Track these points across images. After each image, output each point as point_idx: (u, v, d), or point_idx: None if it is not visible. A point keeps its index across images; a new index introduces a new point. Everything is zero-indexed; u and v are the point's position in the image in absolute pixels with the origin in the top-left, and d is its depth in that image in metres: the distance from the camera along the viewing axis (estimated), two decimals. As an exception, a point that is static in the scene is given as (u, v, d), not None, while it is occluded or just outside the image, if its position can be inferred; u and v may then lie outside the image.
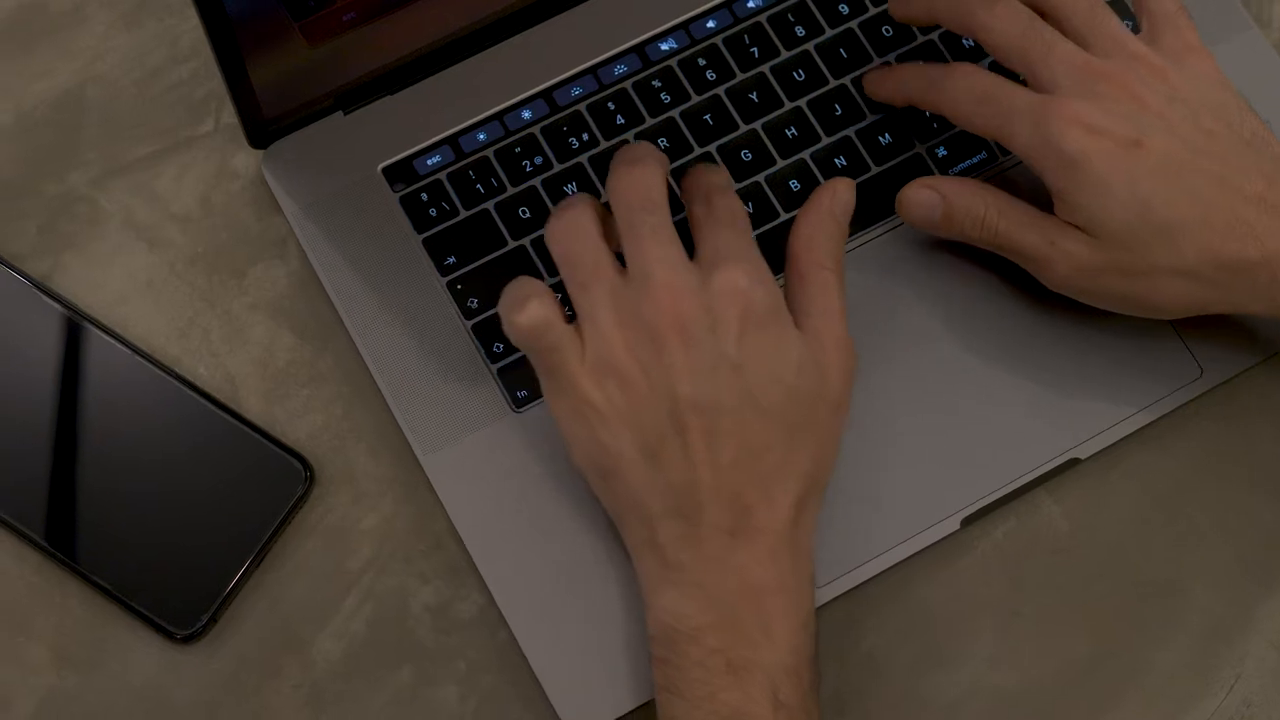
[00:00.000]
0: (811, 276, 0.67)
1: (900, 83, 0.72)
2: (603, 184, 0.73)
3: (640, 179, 0.66)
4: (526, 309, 0.64)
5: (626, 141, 0.74)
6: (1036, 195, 0.69)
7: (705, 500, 0.63)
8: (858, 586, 0.70)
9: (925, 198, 0.70)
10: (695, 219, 0.67)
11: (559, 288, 0.68)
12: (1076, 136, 0.66)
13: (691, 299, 0.63)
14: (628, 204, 0.65)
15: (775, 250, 0.72)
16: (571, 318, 0.65)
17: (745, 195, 0.73)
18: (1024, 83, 0.69)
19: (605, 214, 0.67)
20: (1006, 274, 0.72)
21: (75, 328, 0.72)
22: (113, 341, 0.72)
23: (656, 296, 0.63)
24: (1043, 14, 0.69)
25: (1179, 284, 0.67)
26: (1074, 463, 0.71)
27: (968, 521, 0.70)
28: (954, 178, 0.71)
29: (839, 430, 0.66)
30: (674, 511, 0.63)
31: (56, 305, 0.72)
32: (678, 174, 0.73)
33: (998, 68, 0.70)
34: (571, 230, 0.65)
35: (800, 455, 0.64)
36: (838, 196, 0.68)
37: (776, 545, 0.63)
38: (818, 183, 0.74)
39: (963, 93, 0.69)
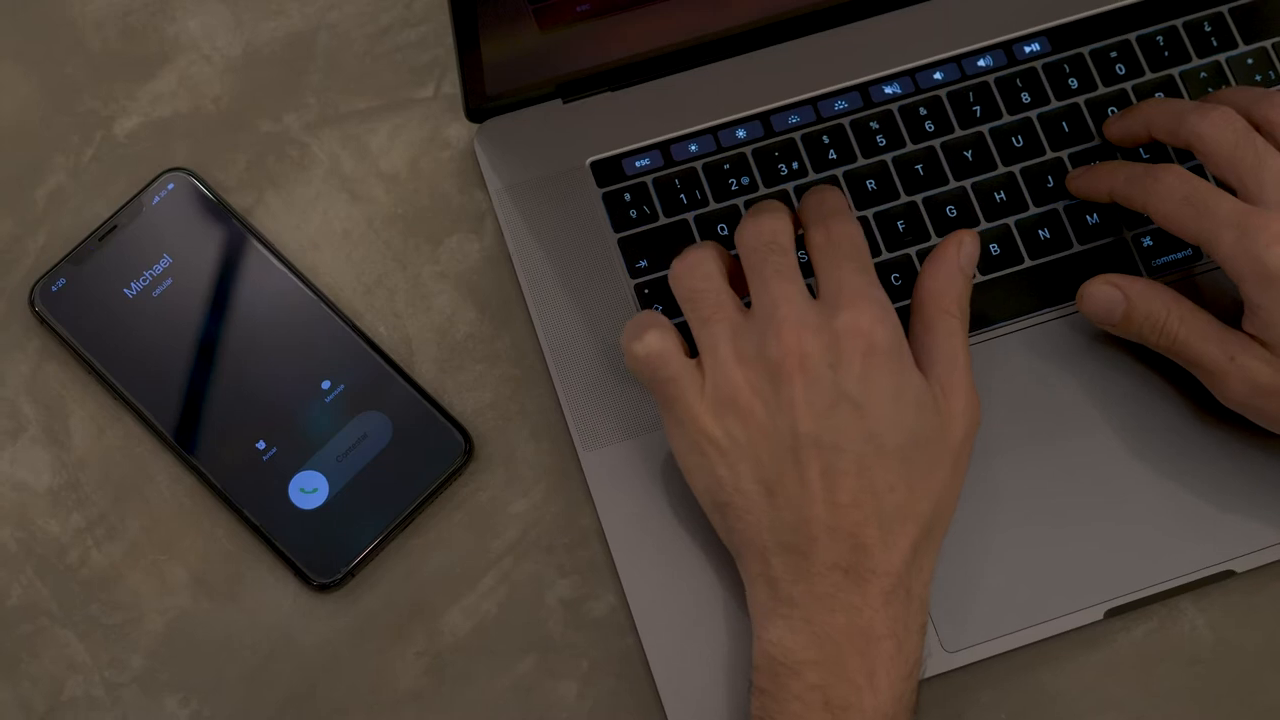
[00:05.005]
0: (938, 324, 0.67)
1: (1104, 178, 0.72)
2: (805, 215, 0.74)
3: (766, 223, 0.66)
4: (645, 339, 0.65)
5: (835, 178, 0.74)
6: (1229, 306, 0.69)
7: (820, 536, 0.63)
8: (986, 659, 0.69)
9: (1108, 294, 0.70)
10: (814, 247, 0.67)
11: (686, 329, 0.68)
12: None
13: (814, 336, 0.63)
14: (753, 246, 0.66)
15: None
16: (694, 354, 0.66)
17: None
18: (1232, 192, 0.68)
19: (730, 260, 0.68)
20: (1185, 380, 0.71)
21: (268, 265, 0.73)
22: (301, 285, 0.73)
23: (780, 333, 0.63)
24: (1258, 127, 0.68)
25: None
26: (1228, 575, 0.70)
27: (1111, 614, 0.70)
28: (1139, 278, 0.70)
29: (959, 478, 0.66)
30: (788, 547, 0.63)
31: (254, 241, 0.73)
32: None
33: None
34: (694, 269, 0.66)
35: (920, 498, 0.64)
36: (964, 248, 0.68)
37: (891, 589, 0.63)
38: (1018, 249, 0.73)
39: (1168, 192, 0.68)
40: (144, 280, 0.72)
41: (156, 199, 0.73)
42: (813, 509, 0.63)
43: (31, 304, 0.72)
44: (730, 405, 0.64)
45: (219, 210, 0.74)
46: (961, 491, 0.66)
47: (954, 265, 0.68)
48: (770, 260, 0.65)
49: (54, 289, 0.72)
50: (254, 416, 0.71)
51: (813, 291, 0.66)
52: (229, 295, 0.72)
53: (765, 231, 0.66)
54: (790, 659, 0.62)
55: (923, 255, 0.73)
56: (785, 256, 0.66)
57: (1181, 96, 0.76)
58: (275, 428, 0.71)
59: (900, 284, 0.73)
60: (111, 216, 0.73)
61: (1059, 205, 0.74)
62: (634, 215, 0.73)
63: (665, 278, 0.73)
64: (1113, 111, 0.75)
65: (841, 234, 0.67)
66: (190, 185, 0.74)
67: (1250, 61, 0.76)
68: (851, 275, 0.65)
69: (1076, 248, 0.74)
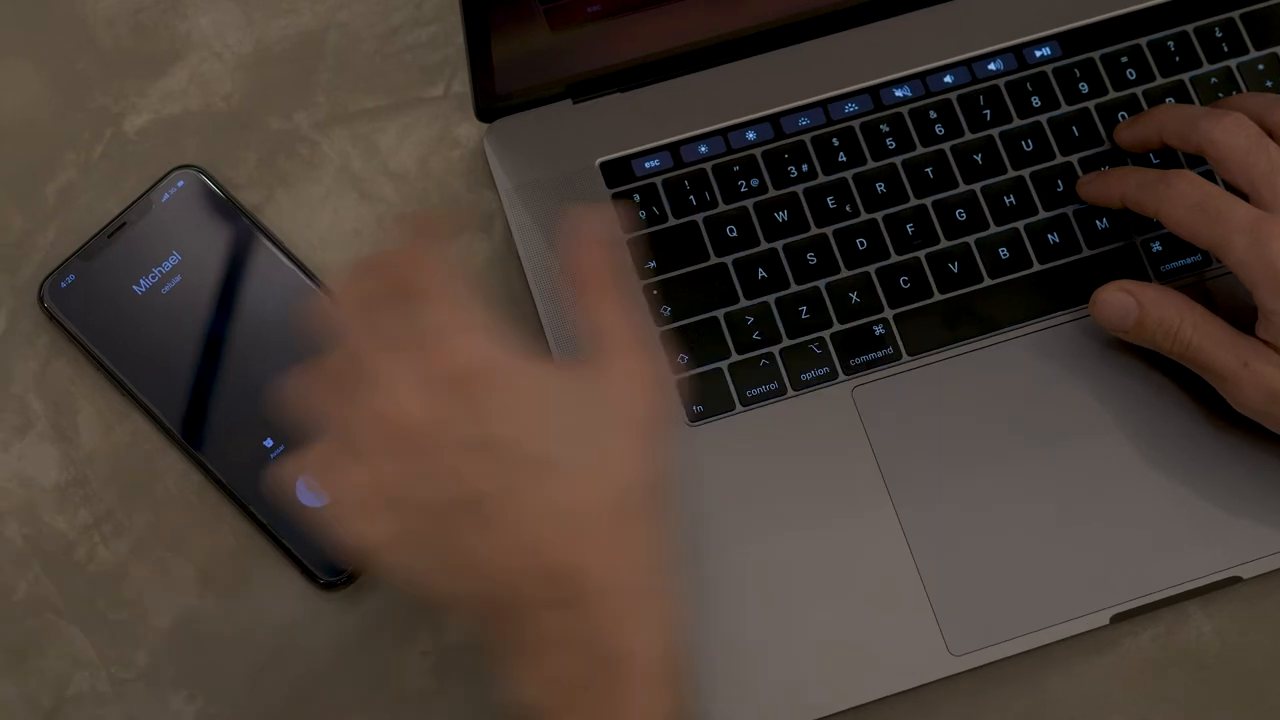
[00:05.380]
0: (591, 302, 0.60)
1: (1115, 183, 0.72)
2: (814, 218, 0.73)
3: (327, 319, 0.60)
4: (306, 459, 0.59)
5: (844, 180, 0.74)
6: (1240, 311, 0.69)
7: (520, 583, 0.56)
8: (993, 663, 0.69)
9: (1121, 301, 0.70)
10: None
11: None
12: None
13: (407, 402, 0.56)
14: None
15: (972, 313, 0.72)
16: None
17: (952, 255, 0.73)
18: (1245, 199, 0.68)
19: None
20: (1193, 385, 0.71)
21: (276, 263, 0.73)
22: (309, 283, 0.73)
23: (378, 417, 0.57)
24: (1270, 133, 0.69)
25: None
26: (1234, 581, 0.70)
27: (1117, 619, 0.70)
28: (1152, 284, 0.70)
29: (652, 443, 0.58)
30: (497, 608, 0.57)
31: (263, 238, 0.73)
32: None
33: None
34: (295, 386, 0.60)
35: (606, 488, 0.57)
36: (596, 222, 0.61)
37: (623, 602, 0.56)
38: (1027, 253, 0.73)
39: (1180, 198, 0.68)
40: (153, 277, 0.72)
41: (166, 196, 0.74)
42: (495, 563, 0.56)
43: (41, 300, 0.72)
44: (369, 510, 0.57)
45: (228, 208, 0.74)
46: (672, 463, 0.59)
47: (593, 240, 0.61)
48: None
49: (63, 285, 0.72)
50: (262, 414, 0.71)
51: None
52: (237, 293, 0.72)
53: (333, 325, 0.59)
54: (537, 715, 0.56)
55: (932, 259, 0.73)
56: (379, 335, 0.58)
57: (1192, 102, 0.76)
58: (283, 425, 0.71)
59: (910, 287, 0.73)
60: (121, 213, 0.73)
61: (1068, 210, 0.74)
62: (643, 216, 0.73)
63: (675, 279, 0.73)
64: (1123, 117, 0.75)
65: (427, 273, 0.59)
66: (200, 182, 0.74)
67: (1261, 67, 0.76)
68: (432, 314, 0.58)
69: (1086, 252, 0.74)
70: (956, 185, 0.74)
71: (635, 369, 0.59)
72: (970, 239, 0.74)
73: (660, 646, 0.57)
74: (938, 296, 0.73)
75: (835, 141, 0.75)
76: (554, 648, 0.56)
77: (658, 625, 0.57)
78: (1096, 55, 0.76)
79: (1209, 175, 0.73)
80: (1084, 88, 0.76)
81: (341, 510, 0.57)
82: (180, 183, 0.74)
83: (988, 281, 0.73)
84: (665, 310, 0.72)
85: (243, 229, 0.73)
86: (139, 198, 0.73)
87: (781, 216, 0.74)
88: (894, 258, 0.73)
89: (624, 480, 0.57)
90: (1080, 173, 0.74)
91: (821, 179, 0.74)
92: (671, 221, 0.73)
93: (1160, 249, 0.74)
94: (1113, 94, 0.76)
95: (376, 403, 0.57)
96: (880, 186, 0.74)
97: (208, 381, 0.71)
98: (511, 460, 0.56)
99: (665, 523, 0.58)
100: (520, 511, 0.56)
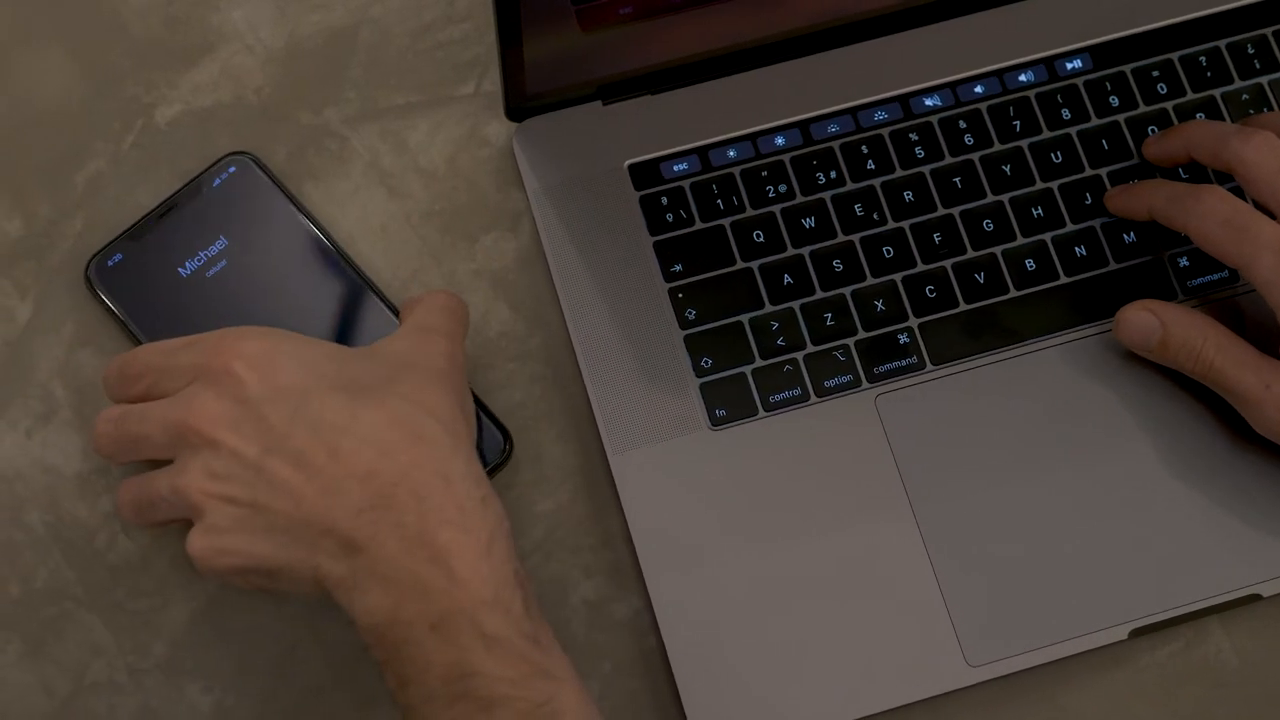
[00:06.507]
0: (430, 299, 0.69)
1: (1144, 196, 0.72)
2: (841, 225, 0.73)
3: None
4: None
5: (872, 188, 0.74)
6: (1267, 330, 0.69)
7: (333, 513, 0.61)
8: (1010, 675, 0.69)
9: (1145, 321, 0.70)
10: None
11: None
12: None
13: (215, 406, 0.62)
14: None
15: (997, 324, 0.72)
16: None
17: (979, 265, 0.73)
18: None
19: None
20: (1216, 401, 0.71)
21: (323, 254, 0.73)
22: (355, 276, 0.73)
23: (189, 425, 0.63)
24: None
25: None
26: (1254, 598, 0.70)
27: (1136, 633, 0.69)
28: (1176, 305, 0.70)
29: (446, 389, 0.64)
30: (321, 537, 0.61)
31: (311, 228, 0.73)
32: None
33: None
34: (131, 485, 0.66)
35: (370, 408, 0.62)
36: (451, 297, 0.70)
37: (419, 484, 0.61)
38: (1054, 265, 0.73)
39: (1209, 213, 0.68)
40: (199, 260, 0.72)
41: (218, 181, 0.74)
42: (302, 503, 0.61)
43: (87, 278, 0.72)
44: (205, 501, 0.62)
45: (278, 196, 0.74)
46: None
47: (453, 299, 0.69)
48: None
49: (110, 264, 0.72)
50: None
51: None
52: (282, 280, 0.72)
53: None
54: (381, 616, 0.60)
55: (959, 268, 0.73)
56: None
57: (1223, 118, 0.76)
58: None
59: (935, 297, 0.73)
60: (171, 195, 0.73)
61: (1096, 222, 0.74)
62: (670, 219, 0.74)
63: (700, 282, 0.73)
64: (1153, 131, 0.75)
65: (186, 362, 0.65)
66: (252, 170, 0.74)
67: (1293, 84, 0.76)
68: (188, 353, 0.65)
69: (1113, 265, 0.74)
70: (984, 195, 0.74)
71: (442, 341, 0.66)
72: (997, 249, 0.74)
73: (478, 520, 0.61)
74: (963, 306, 0.73)
75: (864, 149, 0.75)
76: (374, 544, 0.60)
77: (470, 500, 0.61)
78: (1128, 69, 0.76)
79: (1237, 192, 0.73)
80: (1114, 101, 0.76)
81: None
82: (232, 168, 0.74)
83: (1014, 293, 0.73)
84: (690, 314, 0.72)
85: (291, 218, 0.73)
86: (190, 181, 0.73)
87: (808, 223, 0.74)
88: (920, 266, 0.73)
89: (407, 394, 0.63)
90: (1109, 185, 0.74)
91: (849, 186, 0.74)
92: (698, 225, 0.74)
93: (1188, 264, 0.74)
94: (1143, 108, 0.76)
95: (189, 421, 0.63)
96: (908, 195, 0.74)
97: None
98: (297, 403, 0.62)
99: (456, 443, 0.63)
100: (329, 451, 0.61)
